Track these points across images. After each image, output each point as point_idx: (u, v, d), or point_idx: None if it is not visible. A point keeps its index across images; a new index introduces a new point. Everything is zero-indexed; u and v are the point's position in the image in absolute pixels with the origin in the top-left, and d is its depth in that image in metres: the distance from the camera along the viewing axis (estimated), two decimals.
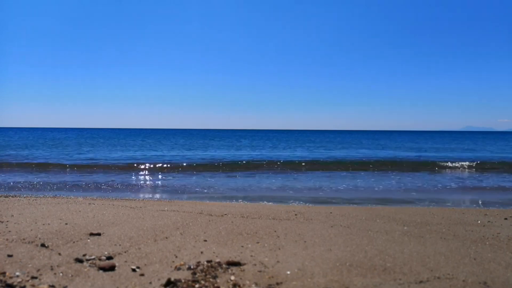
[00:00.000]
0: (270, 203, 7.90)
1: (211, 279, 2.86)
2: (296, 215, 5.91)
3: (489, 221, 5.60)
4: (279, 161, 18.60)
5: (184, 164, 16.81)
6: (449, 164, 17.83)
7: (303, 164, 17.92)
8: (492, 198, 9.08)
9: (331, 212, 6.23)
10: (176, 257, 3.45)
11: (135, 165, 16.79)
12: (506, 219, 5.81)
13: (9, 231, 4.22)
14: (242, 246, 3.90)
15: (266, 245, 3.97)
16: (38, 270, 2.98)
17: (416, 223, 5.40)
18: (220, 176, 13.75)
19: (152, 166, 16.24)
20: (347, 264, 3.33)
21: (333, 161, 19.32)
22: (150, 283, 2.80)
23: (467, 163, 18.12)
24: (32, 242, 3.79)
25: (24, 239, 3.90)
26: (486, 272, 3.18)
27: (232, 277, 2.94)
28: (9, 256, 3.29)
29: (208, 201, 8.02)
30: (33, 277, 2.82)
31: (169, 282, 2.76)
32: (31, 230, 4.33)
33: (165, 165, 16.48)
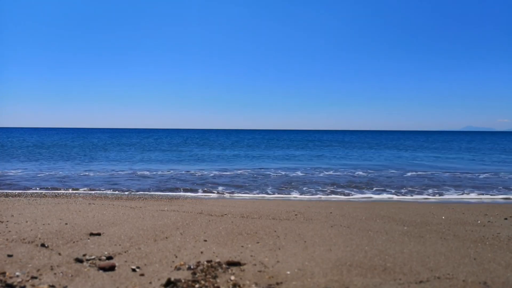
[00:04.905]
0: (271, 199, 7.89)
1: (211, 279, 2.86)
2: (296, 215, 5.91)
3: (489, 221, 5.60)
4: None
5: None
6: None
7: None
8: None
9: (331, 212, 6.23)
10: (176, 257, 3.45)
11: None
12: (506, 219, 5.81)
13: (9, 231, 4.22)
14: (242, 246, 3.90)
15: (266, 245, 3.97)
16: (38, 270, 2.98)
17: (416, 223, 5.40)
18: None
19: None
20: (347, 264, 3.33)
21: None
22: (150, 283, 2.81)
23: None
24: (32, 242, 3.79)
25: (24, 239, 3.90)
26: (486, 272, 3.18)
27: (232, 277, 2.94)
28: (9, 256, 3.29)
29: (208, 201, 8.02)
30: (33, 277, 2.82)
31: (169, 282, 2.76)
32: (31, 230, 4.33)
33: None
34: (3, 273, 2.87)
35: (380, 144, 43.45)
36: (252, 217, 5.64)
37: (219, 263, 3.25)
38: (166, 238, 4.18)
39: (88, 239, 4.01)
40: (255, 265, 3.27)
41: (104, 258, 3.34)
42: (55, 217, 5.18)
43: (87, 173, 13.68)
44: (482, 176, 13.66)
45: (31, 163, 17.31)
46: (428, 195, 9.48)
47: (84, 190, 9.77)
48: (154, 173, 14.09)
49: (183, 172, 14.56)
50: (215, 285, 2.76)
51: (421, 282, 2.93)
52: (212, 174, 13.73)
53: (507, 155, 25.71)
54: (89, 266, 3.12)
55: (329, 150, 30.88)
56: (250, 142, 47.51)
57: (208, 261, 3.30)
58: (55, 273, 2.93)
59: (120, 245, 3.81)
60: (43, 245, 3.67)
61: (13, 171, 14.04)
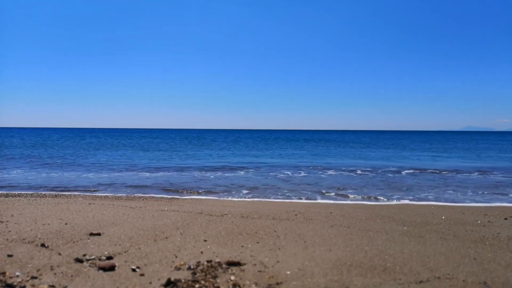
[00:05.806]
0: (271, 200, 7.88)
1: (211, 279, 2.86)
2: (296, 215, 5.91)
3: (489, 221, 5.61)
4: None
5: None
6: None
7: None
8: None
9: (331, 212, 6.23)
10: (176, 257, 3.45)
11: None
12: (506, 219, 5.82)
13: (9, 231, 4.22)
14: (242, 246, 3.90)
15: (266, 245, 3.97)
16: (38, 270, 2.98)
17: (416, 223, 5.40)
18: None
19: None
20: (347, 264, 3.33)
21: None
22: (150, 283, 2.81)
23: None
24: (32, 242, 3.79)
25: (24, 239, 3.90)
26: (486, 272, 3.18)
27: (232, 277, 2.94)
28: (9, 256, 3.29)
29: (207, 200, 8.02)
30: (33, 277, 2.82)
31: (169, 282, 2.76)
32: (31, 230, 4.33)
33: None
34: (3, 273, 2.87)
35: (379, 144, 43.61)
36: (252, 217, 5.64)
37: (219, 263, 3.25)
38: (166, 238, 4.18)
39: (88, 239, 4.01)
40: (255, 265, 3.27)
41: (104, 258, 3.34)
42: (55, 217, 5.18)
43: (86, 173, 13.68)
44: (474, 176, 13.66)
45: (30, 164, 17.31)
46: (427, 195, 9.48)
47: (84, 190, 9.76)
48: (154, 173, 14.08)
49: (183, 172, 14.56)
50: (215, 285, 2.76)
51: (421, 282, 2.93)
52: (212, 175, 13.73)
53: (506, 154, 25.73)
54: (89, 266, 3.12)
55: (329, 150, 30.91)
56: (250, 142, 47.54)
57: (208, 261, 3.30)
58: (55, 273, 2.93)
59: (120, 245, 3.81)
60: (43, 245, 3.67)
61: (12, 172, 14.03)
